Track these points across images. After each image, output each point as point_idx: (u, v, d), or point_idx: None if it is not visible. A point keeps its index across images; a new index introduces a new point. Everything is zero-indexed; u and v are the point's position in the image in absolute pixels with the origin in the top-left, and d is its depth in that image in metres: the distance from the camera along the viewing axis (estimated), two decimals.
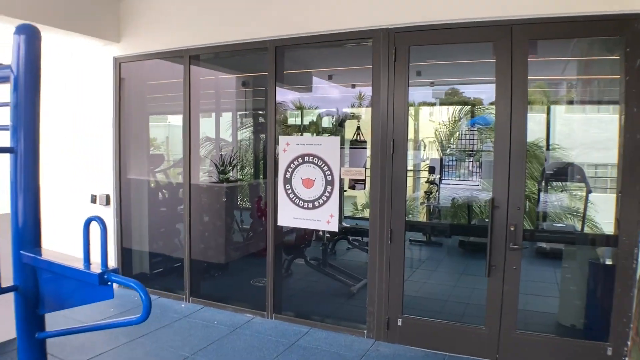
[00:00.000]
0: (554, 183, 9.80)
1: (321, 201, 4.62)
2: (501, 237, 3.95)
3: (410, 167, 15.09)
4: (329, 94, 10.20)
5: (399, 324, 4.38)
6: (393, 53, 4.24)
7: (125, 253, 6.32)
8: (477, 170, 11.53)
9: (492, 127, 3.84)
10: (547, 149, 9.85)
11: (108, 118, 6.06)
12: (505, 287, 3.99)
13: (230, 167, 8.14)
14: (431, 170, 9.96)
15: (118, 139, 6.03)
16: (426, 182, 9.89)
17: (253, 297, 5.44)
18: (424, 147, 13.46)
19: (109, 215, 6.15)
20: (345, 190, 10.04)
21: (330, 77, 9.46)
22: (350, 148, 9.48)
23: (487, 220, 4.07)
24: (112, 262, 6.22)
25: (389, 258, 4.39)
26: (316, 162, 4.62)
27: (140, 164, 6.57)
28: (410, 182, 15.31)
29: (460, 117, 12.65)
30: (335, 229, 4.60)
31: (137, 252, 6.53)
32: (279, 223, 4.91)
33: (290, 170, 4.77)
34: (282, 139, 4.82)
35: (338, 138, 4.60)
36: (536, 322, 4.84)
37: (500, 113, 3.93)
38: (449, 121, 12.97)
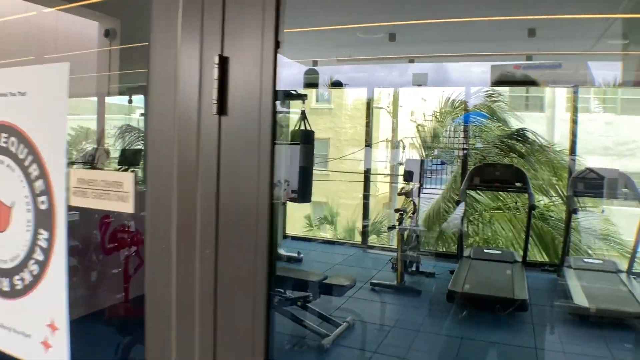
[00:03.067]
0: (586, 199, 6.78)
1: (28, 277, 1.45)
2: None
3: (384, 169, 12.21)
4: None
5: None
6: None
7: None
8: None
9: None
10: (572, 153, 6.82)
11: None
12: None
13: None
14: (408, 176, 6.80)
15: None
16: (400, 193, 6.76)
17: None
18: (403, 149, 10.65)
19: None
20: (284, 203, 6.96)
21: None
22: (290, 144, 6.42)
23: None
24: None
25: None
26: (13, 149, 1.45)
27: None
28: (385, 187, 12.39)
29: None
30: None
31: None
32: None
33: None
34: None
35: (65, 66, 1.40)
36: None
37: None
38: (435, 115, 10.07)
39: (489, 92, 8.92)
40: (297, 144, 6.16)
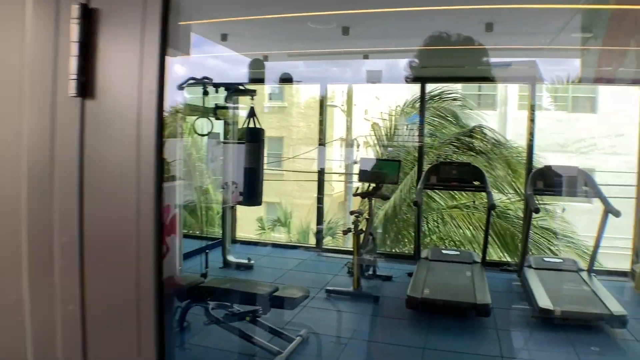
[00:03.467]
0: (546, 197, 6.68)
1: None
2: None
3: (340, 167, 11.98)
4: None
5: None
6: None
7: None
8: None
9: None
10: (530, 150, 6.66)
11: None
12: None
13: None
14: (363, 175, 6.50)
15: None
16: (355, 194, 6.46)
17: None
18: (358, 147, 10.51)
19: None
20: (233, 206, 6.56)
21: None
22: (237, 143, 6.03)
23: None
24: None
25: None
26: None
27: None
28: (340, 186, 12.16)
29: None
30: None
31: None
32: None
33: None
34: None
35: None
36: None
37: None
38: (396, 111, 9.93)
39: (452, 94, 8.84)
40: (244, 142, 5.78)
